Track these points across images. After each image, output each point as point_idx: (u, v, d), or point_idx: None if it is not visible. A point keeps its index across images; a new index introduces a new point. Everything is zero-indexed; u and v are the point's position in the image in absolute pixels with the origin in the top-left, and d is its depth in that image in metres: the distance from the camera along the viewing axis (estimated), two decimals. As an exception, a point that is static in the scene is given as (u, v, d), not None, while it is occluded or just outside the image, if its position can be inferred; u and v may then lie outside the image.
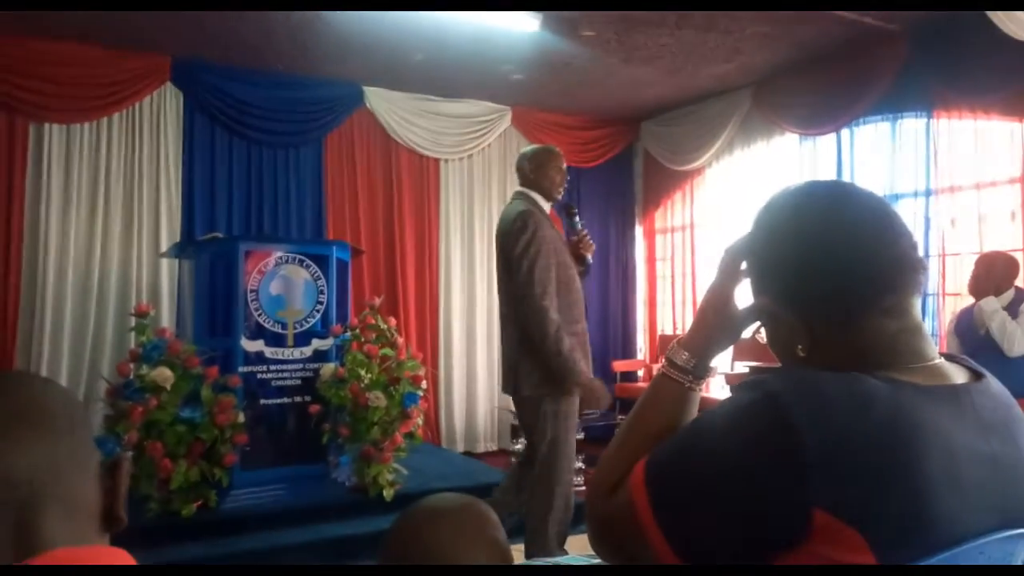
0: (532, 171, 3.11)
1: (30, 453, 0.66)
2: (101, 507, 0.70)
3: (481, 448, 6.23)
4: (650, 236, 7.05)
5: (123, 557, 0.67)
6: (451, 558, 0.96)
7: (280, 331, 4.21)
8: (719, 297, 1.01)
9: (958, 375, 0.90)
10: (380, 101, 5.88)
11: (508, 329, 3.07)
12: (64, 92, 4.85)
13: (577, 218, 3.23)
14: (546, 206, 3.12)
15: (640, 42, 4.81)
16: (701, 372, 1.00)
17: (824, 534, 0.75)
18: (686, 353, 1.00)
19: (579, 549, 2.12)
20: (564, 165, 3.16)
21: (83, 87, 4.89)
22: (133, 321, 3.81)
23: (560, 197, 3.17)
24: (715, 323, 1.00)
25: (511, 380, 3.08)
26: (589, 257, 3.20)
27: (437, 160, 6.21)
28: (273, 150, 5.60)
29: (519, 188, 3.16)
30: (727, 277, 1.01)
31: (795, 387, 0.81)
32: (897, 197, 4.84)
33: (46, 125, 4.89)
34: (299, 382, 4.23)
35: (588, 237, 3.20)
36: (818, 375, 0.83)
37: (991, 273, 3.62)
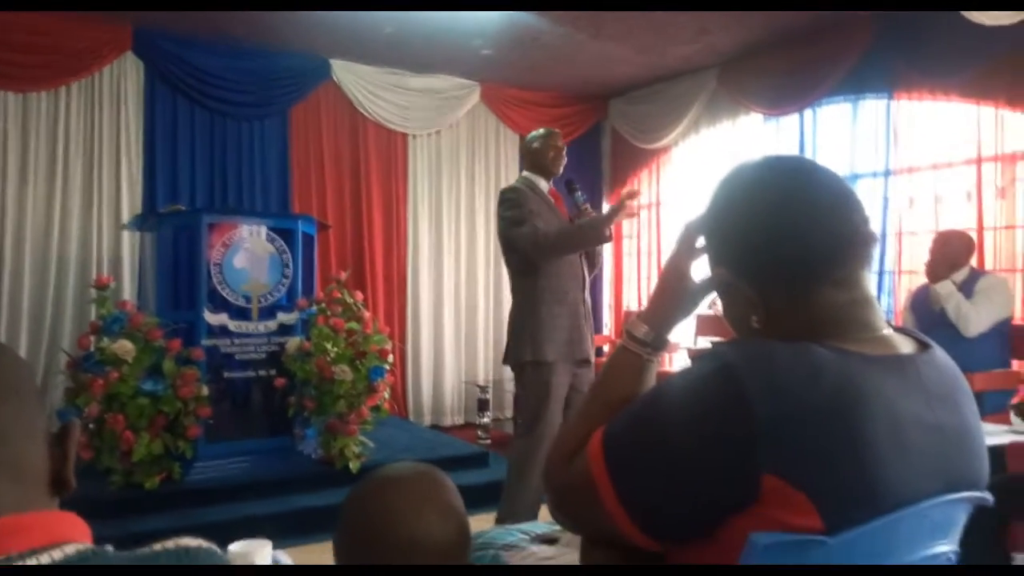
0: (530, 151, 3.32)
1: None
2: (50, 472, 0.68)
3: (448, 422, 6.27)
4: (617, 213, 7.08)
5: (72, 521, 0.65)
6: (407, 522, 0.97)
7: (244, 305, 4.17)
8: (676, 270, 1.03)
9: (905, 345, 0.93)
10: (347, 74, 5.80)
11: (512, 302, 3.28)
12: (20, 60, 4.69)
13: (579, 193, 3.25)
14: (545, 185, 3.27)
15: (609, 18, 4.80)
16: (659, 344, 1.03)
17: (773, 497, 0.78)
18: (645, 326, 1.02)
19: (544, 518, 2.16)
20: (561, 143, 3.30)
21: (40, 55, 4.75)
22: (94, 293, 3.74)
23: (559, 172, 3.25)
24: (672, 295, 1.03)
25: (506, 352, 3.28)
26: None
27: (405, 135, 6.15)
28: (237, 122, 5.50)
29: (522, 172, 3.38)
30: (684, 250, 1.03)
31: (749, 358, 0.84)
32: (857, 177, 4.93)
33: (1, 93, 4.74)
34: (264, 356, 4.21)
35: (589, 210, 3.22)
36: (771, 346, 0.85)
37: (947, 250, 3.71)
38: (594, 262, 3.36)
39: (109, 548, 0.61)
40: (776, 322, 0.92)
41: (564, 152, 3.30)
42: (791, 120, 5.42)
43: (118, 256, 5.07)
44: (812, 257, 0.89)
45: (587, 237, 3.09)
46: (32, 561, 0.56)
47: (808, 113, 5.31)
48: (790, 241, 0.89)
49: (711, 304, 0.93)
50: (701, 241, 1.01)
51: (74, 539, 0.61)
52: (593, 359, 3.28)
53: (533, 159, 3.31)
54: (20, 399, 0.67)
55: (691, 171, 6.17)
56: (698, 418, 0.83)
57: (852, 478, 0.79)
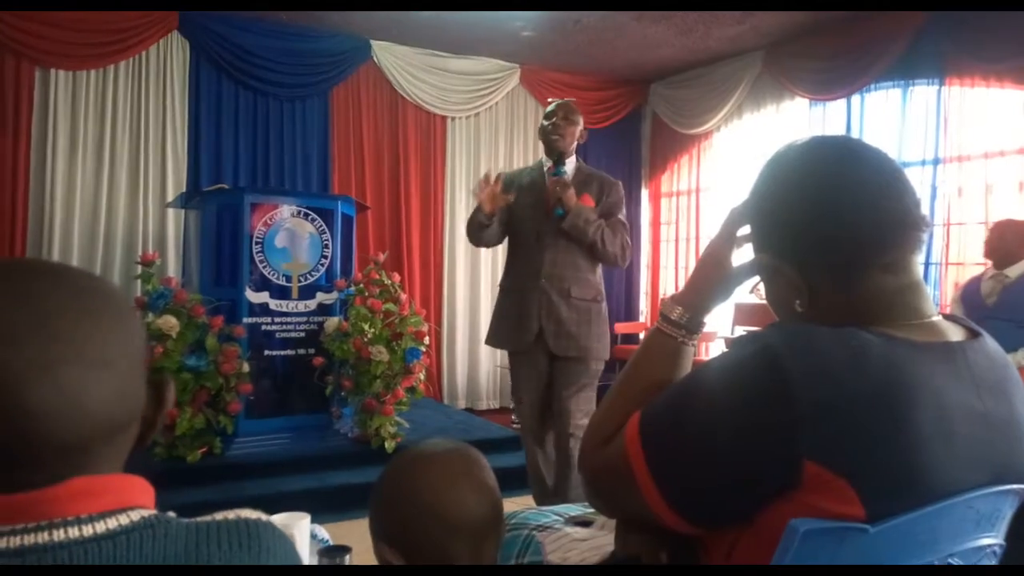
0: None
1: (114, 339, 0.61)
2: (141, 419, 0.66)
3: (483, 405, 6.30)
4: (655, 199, 7.02)
5: (142, 486, 0.64)
6: (441, 497, 0.98)
7: (285, 284, 4.23)
8: (715, 254, 1.01)
9: (954, 333, 0.91)
10: (387, 55, 5.82)
11: None
12: (69, 38, 4.79)
13: (564, 167, 2.99)
14: (547, 160, 3.08)
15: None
16: (694, 327, 1.01)
17: (814, 484, 0.77)
18: (679, 308, 1.01)
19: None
20: (555, 119, 3.00)
21: (89, 33, 4.84)
22: (139, 269, 3.83)
23: (560, 148, 2.99)
24: (709, 278, 1.01)
25: None
26: (564, 206, 2.87)
27: (444, 117, 6.16)
28: (279, 102, 5.56)
29: None
30: (726, 235, 1.01)
31: (791, 340, 0.82)
32: (905, 165, 4.80)
33: (52, 71, 4.85)
34: (303, 334, 4.27)
35: (559, 187, 2.89)
36: (814, 329, 0.84)
37: (1003, 241, 3.59)
38: (596, 252, 2.97)
39: (172, 515, 0.62)
40: (821, 307, 0.90)
41: (561, 127, 2.98)
42: (838, 106, 5.30)
43: (163, 233, 5.18)
44: (860, 240, 0.87)
45: (471, 221, 3.00)
46: (100, 525, 0.57)
47: (856, 99, 5.18)
48: (837, 223, 0.87)
49: (753, 289, 0.92)
50: (746, 229, 1.00)
51: (142, 504, 0.61)
52: (593, 355, 2.99)
53: (540, 136, 3.11)
54: (128, 331, 0.63)
55: (733, 157, 6.07)
56: (738, 402, 0.82)
57: (896, 466, 0.78)
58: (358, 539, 2.65)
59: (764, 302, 1.00)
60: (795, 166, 0.93)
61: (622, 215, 3.06)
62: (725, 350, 0.96)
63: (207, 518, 0.63)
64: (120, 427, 0.61)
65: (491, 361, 6.40)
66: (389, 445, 3.91)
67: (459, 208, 6.26)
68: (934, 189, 4.68)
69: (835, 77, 5.13)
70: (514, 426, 5.40)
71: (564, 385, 2.98)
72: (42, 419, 0.55)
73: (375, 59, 5.79)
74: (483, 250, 6.34)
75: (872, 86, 5.03)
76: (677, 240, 6.73)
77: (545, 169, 3.03)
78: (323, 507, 3.33)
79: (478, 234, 3.01)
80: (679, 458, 0.87)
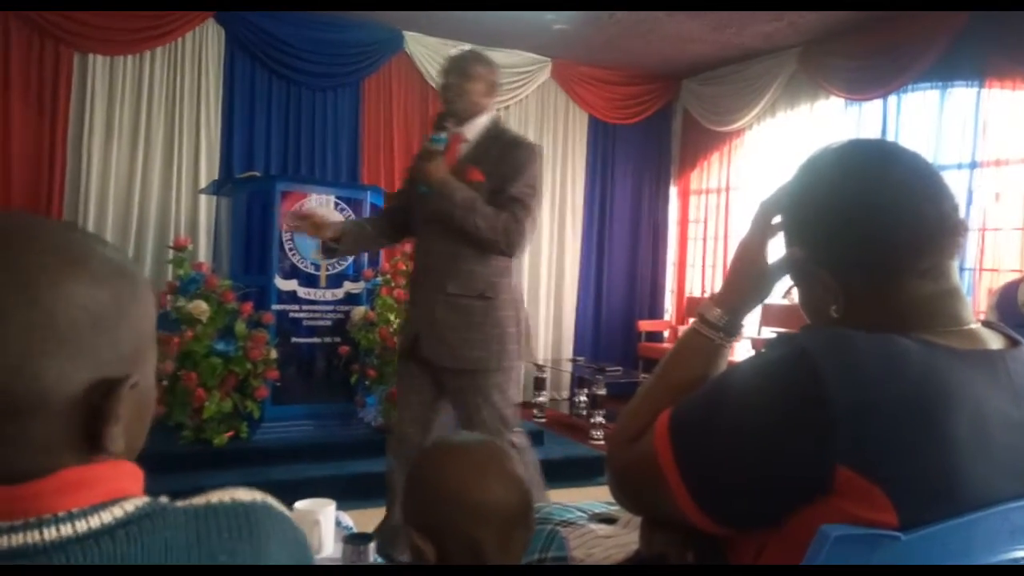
0: None
1: (90, 296, 0.55)
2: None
3: (504, 398, 6.30)
4: (684, 197, 6.97)
5: (131, 471, 0.59)
6: (471, 487, 1.00)
7: (313, 272, 4.26)
8: (749, 251, 1.00)
9: (994, 341, 0.89)
10: (419, 47, 5.82)
11: None
12: (108, 23, 4.86)
13: (443, 133, 2.41)
14: (454, 129, 2.49)
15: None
16: (732, 329, 1.00)
17: (847, 490, 0.76)
18: (718, 309, 1.00)
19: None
20: (448, 66, 2.54)
21: (127, 19, 4.90)
22: (171, 254, 3.88)
23: (456, 106, 2.47)
24: (746, 277, 1.00)
25: None
26: (427, 183, 2.38)
27: (474, 110, 6.15)
28: (312, 91, 5.59)
29: None
30: (759, 230, 1.00)
31: (826, 343, 0.81)
32: (941, 168, 4.68)
33: (90, 56, 4.92)
34: (330, 323, 4.30)
35: (422, 157, 2.42)
36: (851, 333, 0.83)
37: None
38: (472, 239, 2.39)
39: (164, 499, 0.59)
40: (857, 312, 0.89)
41: (454, 86, 2.46)
42: (874, 106, 5.21)
43: (195, 219, 5.24)
44: (897, 244, 0.86)
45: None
46: (94, 519, 0.53)
47: (892, 99, 5.09)
48: (874, 227, 0.86)
49: (786, 294, 0.91)
50: (777, 218, 0.98)
51: (133, 492, 0.58)
52: (469, 364, 2.43)
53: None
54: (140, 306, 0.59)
55: (765, 156, 6.00)
56: (771, 403, 0.82)
57: (931, 474, 0.77)
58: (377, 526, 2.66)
59: (796, 305, 0.99)
60: (832, 168, 0.92)
61: (519, 188, 2.40)
62: (754, 351, 0.95)
63: (201, 500, 0.59)
64: (18, 410, 0.53)
65: (514, 355, 6.39)
66: (412, 435, 3.93)
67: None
68: (970, 193, 4.59)
69: (872, 77, 5.04)
70: (536, 420, 5.41)
71: (455, 404, 2.53)
72: None
73: (407, 50, 5.80)
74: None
75: (909, 87, 4.94)
76: (705, 239, 6.67)
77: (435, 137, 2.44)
78: (345, 494, 3.36)
79: (365, 251, 2.63)
80: (709, 458, 0.87)
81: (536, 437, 4.52)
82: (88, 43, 4.87)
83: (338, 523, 1.57)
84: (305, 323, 4.24)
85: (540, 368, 5.81)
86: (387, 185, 5.59)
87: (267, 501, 0.62)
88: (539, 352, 6.44)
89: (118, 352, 0.57)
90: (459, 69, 2.49)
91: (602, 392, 5.11)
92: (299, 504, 1.45)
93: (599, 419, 5.05)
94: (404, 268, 4.22)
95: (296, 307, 4.20)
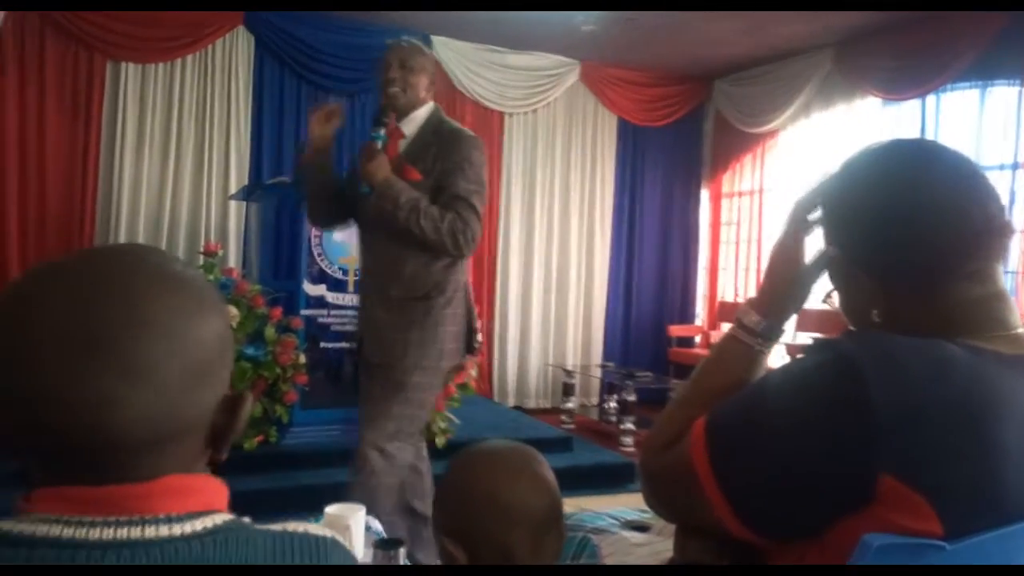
0: None
1: (162, 351, 0.58)
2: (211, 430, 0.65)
3: (532, 404, 6.28)
4: (716, 200, 6.90)
5: (222, 489, 0.64)
6: (502, 491, 1.00)
7: (341, 277, 4.28)
8: (786, 251, 0.97)
9: None
10: (447, 51, 5.84)
11: None
12: (139, 32, 4.94)
13: (381, 129, 2.32)
14: (397, 121, 2.40)
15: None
16: (772, 334, 0.97)
17: (890, 499, 0.74)
18: (756, 315, 0.97)
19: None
20: (389, 57, 2.39)
21: (158, 28, 4.98)
22: (201, 259, 3.92)
23: (401, 101, 2.37)
24: (783, 280, 0.97)
25: None
26: (369, 183, 2.26)
27: (501, 113, 6.15)
28: (339, 96, 5.63)
29: None
30: (794, 231, 0.97)
31: (869, 348, 0.79)
32: (982, 169, 4.60)
33: (123, 64, 5.01)
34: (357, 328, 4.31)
35: (363, 155, 2.28)
36: (894, 338, 0.81)
37: None
38: (416, 241, 2.27)
39: (247, 520, 0.63)
40: (899, 316, 0.86)
41: (397, 79, 2.35)
42: (912, 105, 5.12)
43: (225, 224, 5.30)
44: (941, 247, 0.83)
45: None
46: (188, 526, 0.58)
47: (931, 99, 5.00)
48: (917, 229, 0.84)
49: (826, 298, 0.87)
50: (814, 215, 0.95)
51: (221, 507, 0.62)
52: (398, 359, 2.32)
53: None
54: (183, 342, 0.60)
55: (800, 157, 5.91)
56: (811, 410, 0.79)
57: (977, 483, 0.75)
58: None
59: (833, 310, 0.96)
60: (873, 168, 0.90)
61: (463, 186, 2.28)
62: (789, 357, 0.92)
63: (278, 527, 0.64)
64: (172, 435, 0.59)
65: (541, 360, 6.38)
66: (440, 441, 3.92)
67: (514, 205, 6.26)
68: (1012, 195, 4.49)
69: (910, 76, 4.95)
70: (564, 426, 5.38)
71: (364, 396, 2.41)
72: (75, 422, 0.55)
73: (435, 54, 5.81)
74: (538, 246, 6.33)
75: (948, 86, 4.84)
76: (738, 242, 6.59)
77: (374, 132, 2.33)
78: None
79: (314, 209, 2.47)
80: (746, 464, 0.84)
81: (565, 443, 4.49)
82: (121, 51, 4.95)
83: (368, 528, 1.56)
84: (333, 328, 4.26)
85: (568, 373, 5.77)
86: (415, 190, 5.61)
87: (335, 537, 0.67)
88: (568, 357, 6.41)
89: (228, 371, 0.65)
90: (402, 61, 2.37)
91: (632, 398, 5.06)
92: (329, 509, 1.44)
93: (629, 425, 5.00)
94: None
95: (324, 312, 4.22)
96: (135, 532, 0.56)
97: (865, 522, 0.75)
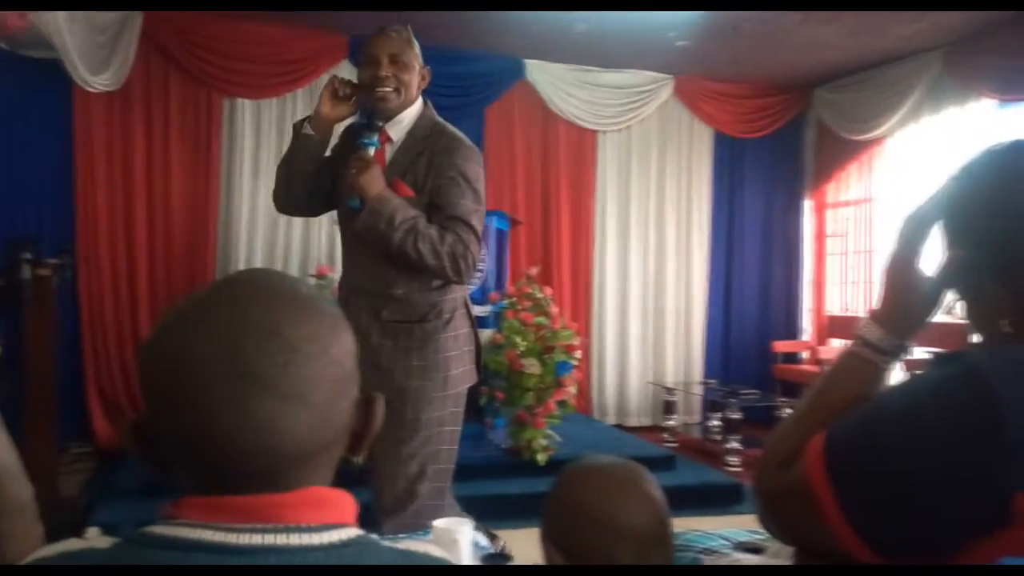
0: None
1: (310, 374, 0.63)
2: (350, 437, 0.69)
3: (633, 422, 6.20)
4: (820, 210, 6.65)
5: (353, 503, 0.67)
6: (610, 509, 1.00)
7: (442, 296, 4.37)
8: (907, 262, 0.93)
9: None
10: (540, 73, 5.91)
11: None
12: (252, 70, 5.25)
13: (375, 135, 2.06)
14: (379, 124, 2.11)
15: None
16: (899, 351, 0.93)
17: (1026, 520, 0.70)
18: (881, 330, 0.93)
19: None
20: (378, 51, 2.07)
21: (269, 64, 5.27)
22: (313, 282, 4.11)
23: (391, 104, 2.09)
24: (907, 293, 0.93)
25: None
26: (362, 197, 2.00)
27: (595, 132, 6.16)
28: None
29: None
30: (909, 243, 0.93)
31: (1000, 361, 0.76)
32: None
33: (238, 100, 5.33)
34: (458, 346, 4.39)
35: (355, 166, 2.00)
36: None
37: None
38: (412, 264, 2.02)
39: (374, 536, 0.66)
40: (1032, 327, 0.82)
41: (388, 78, 2.06)
42: (1032, 106, 4.80)
43: (333, 248, 5.49)
44: None
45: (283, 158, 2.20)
46: (324, 537, 0.61)
47: (1054, 97, 4.67)
48: None
49: (949, 308, 0.83)
50: (932, 222, 0.91)
51: (351, 522, 0.65)
52: (412, 397, 2.07)
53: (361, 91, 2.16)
54: (327, 361, 0.65)
55: (909, 164, 5.64)
56: (939, 427, 0.76)
57: None
58: (511, 549, 2.67)
59: (955, 322, 0.92)
60: (997, 170, 0.86)
61: (464, 206, 2.03)
62: (906, 373, 0.89)
63: (401, 546, 0.68)
64: (321, 448, 0.64)
65: (642, 377, 6.30)
66: (541, 458, 3.93)
67: (609, 222, 6.24)
68: None
69: (1029, 74, 4.65)
70: (666, 444, 5.29)
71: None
72: (239, 445, 0.60)
73: (528, 77, 5.90)
74: (634, 262, 6.29)
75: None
76: (845, 254, 6.33)
77: (363, 139, 2.06)
78: (476, 515, 3.40)
79: (283, 182, 2.18)
80: (869, 483, 0.81)
81: (667, 462, 4.42)
82: (237, 88, 5.27)
83: (475, 543, 1.58)
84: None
85: (669, 391, 5.68)
86: (511, 210, 5.69)
87: (452, 562, 0.71)
88: (667, 374, 6.31)
89: (356, 376, 0.69)
90: (393, 56, 2.07)
91: (737, 416, 4.92)
92: (437, 523, 1.48)
93: (735, 444, 4.87)
94: (529, 291, 4.26)
95: (426, 330, 4.32)
96: (280, 539, 0.60)
97: (1001, 545, 0.71)
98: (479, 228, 2.06)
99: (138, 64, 4.94)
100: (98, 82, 4.77)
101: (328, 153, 2.21)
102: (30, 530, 0.88)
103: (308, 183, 2.16)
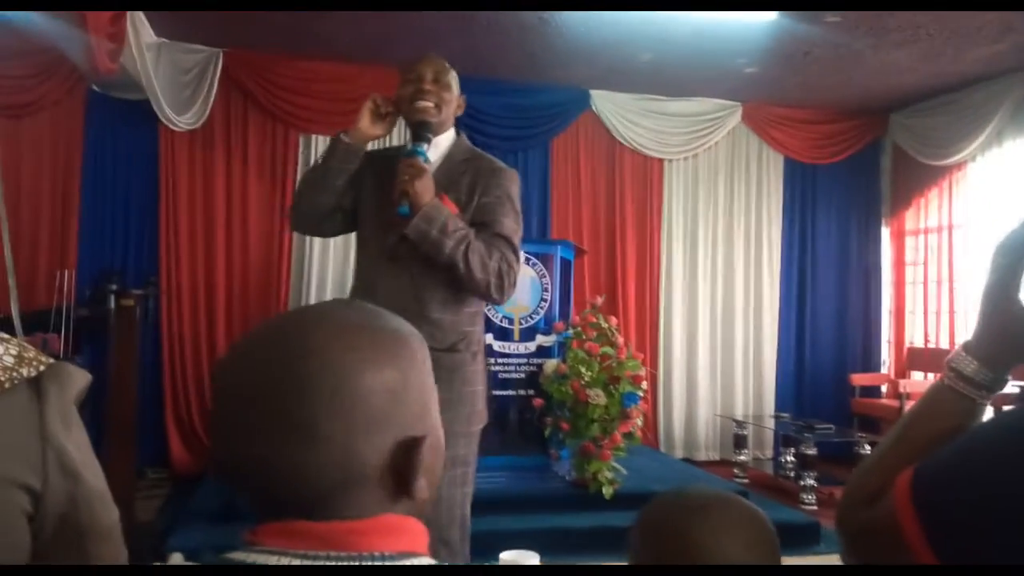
0: None
1: (332, 413, 0.63)
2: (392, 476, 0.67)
3: (702, 456, 6.05)
4: (899, 238, 6.42)
5: (425, 533, 0.69)
6: (716, 553, 0.91)
7: (507, 326, 4.38)
8: (1004, 291, 0.88)
9: None
10: (606, 103, 5.93)
11: None
12: (324, 107, 5.42)
13: (425, 145, 2.04)
14: (412, 146, 2.07)
15: (893, 24, 4.40)
16: (996, 386, 0.88)
17: None
18: (976, 363, 0.88)
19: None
20: (422, 69, 2.15)
21: (339, 101, 5.42)
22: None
23: (419, 116, 2.09)
24: (1003, 325, 0.88)
25: None
26: (411, 202, 1.92)
27: (661, 160, 6.13)
28: (503, 154, 5.84)
29: None
30: (1005, 272, 0.87)
31: None
32: None
33: (313, 137, 5.51)
34: (523, 375, 4.38)
35: (408, 172, 1.93)
36: None
37: None
38: (459, 276, 1.98)
39: (447, 565, 0.67)
40: None
41: (430, 92, 2.11)
42: None
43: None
44: None
45: (311, 170, 2.17)
46: (399, 564, 0.62)
47: None
48: None
49: None
50: None
51: (423, 550, 0.65)
52: (454, 431, 1.94)
53: (400, 108, 2.17)
54: (352, 401, 0.64)
55: (993, 189, 5.40)
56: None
57: None
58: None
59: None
60: None
61: (507, 226, 2.04)
62: (995, 408, 0.83)
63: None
64: (351, 480, 0.63)
65: (711, 409, 6.15)
66: (607, 491, 3.86)
67: (675, 251, 6.16)
68: None
69: None
70: (737, 480, 5.12)
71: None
72: (259, 475, 0.62)
73: (594, 108, 5.92)
74: (702, 292, 6.17)
75: None
76: (926, 282, 6.08)
77: (414, 147, 2.02)
78: (541, 548, 3.35)
79: (311, 184, 2.12)
80: (960, 523, 0.76)
81: (739, 498, 4.27)
82: (311, 125, 5.45)
83: None
84: (500, 375, 4.35)
85: (740, 424, 5.51)
86: (576, 239, 5.68)
87: None
88: (736, 407, 6.14)
89: (411, 414, 0.66)
90: (437, 75, 2.14)
91: (812, 452, 4.74)
92: (504, 555, 1.46)
93: (810, 482, 4.68)
94: (594, 321, 4.22)
95: (492, 360, 4.33)
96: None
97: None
98: (520, 251, 2.08)
99: (219, 102, 5.17)
100: (182, 121, 5.00)
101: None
102: (117, 554, 0.90)
103: (334, 196, 2.11)
